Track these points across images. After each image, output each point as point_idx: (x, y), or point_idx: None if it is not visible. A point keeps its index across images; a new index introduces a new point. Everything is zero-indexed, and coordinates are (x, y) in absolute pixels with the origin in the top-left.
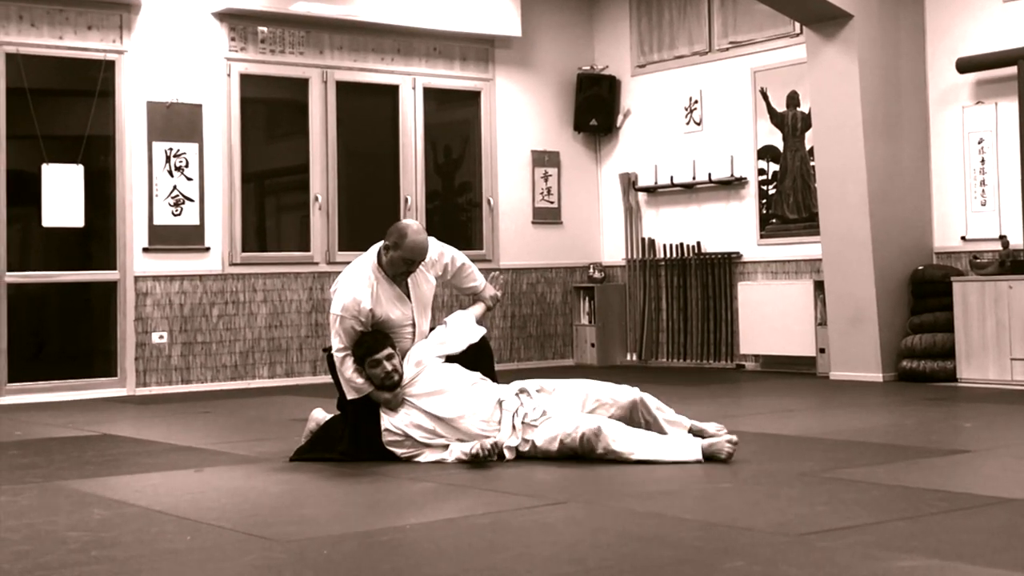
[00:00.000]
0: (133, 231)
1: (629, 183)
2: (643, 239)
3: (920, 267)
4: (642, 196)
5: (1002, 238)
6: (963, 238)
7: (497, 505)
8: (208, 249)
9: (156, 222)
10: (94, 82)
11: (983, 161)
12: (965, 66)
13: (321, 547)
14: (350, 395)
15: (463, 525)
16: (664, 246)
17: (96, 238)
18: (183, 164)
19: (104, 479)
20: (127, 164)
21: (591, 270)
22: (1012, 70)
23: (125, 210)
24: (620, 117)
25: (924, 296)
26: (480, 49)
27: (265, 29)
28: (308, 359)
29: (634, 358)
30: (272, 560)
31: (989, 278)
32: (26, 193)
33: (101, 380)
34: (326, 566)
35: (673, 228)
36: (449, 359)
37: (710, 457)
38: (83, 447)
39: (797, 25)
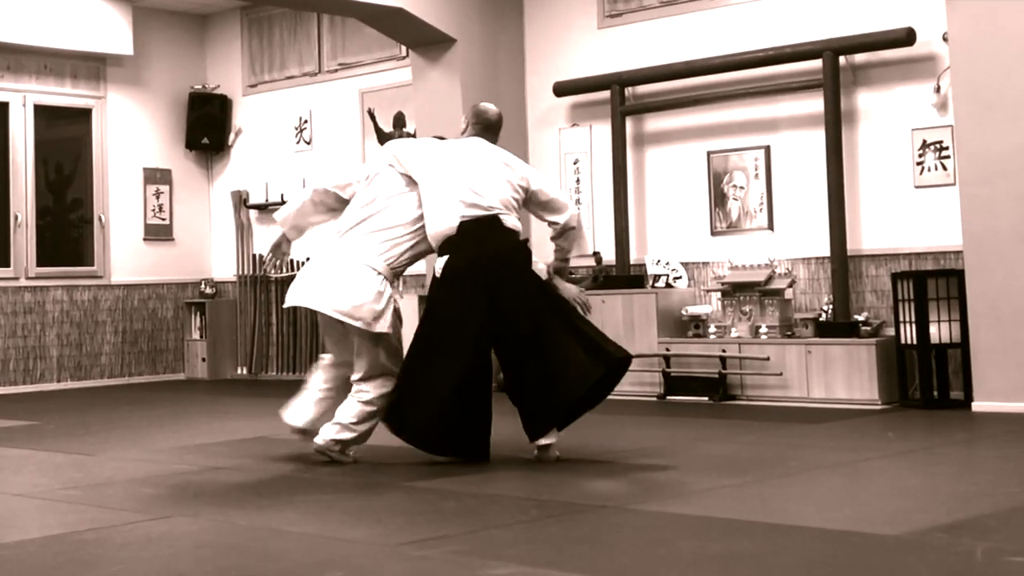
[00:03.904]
0: None
1: (240, 200)
2: (254, 255)
3: None
4: (253, 213)
5: (596, 254)
6: None
7: (102, 521)
8: None
9: None
10: None
11: (578, 181)
12: (561, 90)
13: None
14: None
15: (67, 541)
16: (275, 262)
17: None
18: None
19: None
20: None
21: (202, 286)
22: (606, 94)
23: None
24: (232, 136)
25: None
26: (92, 67)
27: None
28: None
29: (245, 372)
30: None
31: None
32: None
33: None
34: None
35: None
36: None
37: None
38: None
39: (404, 48)
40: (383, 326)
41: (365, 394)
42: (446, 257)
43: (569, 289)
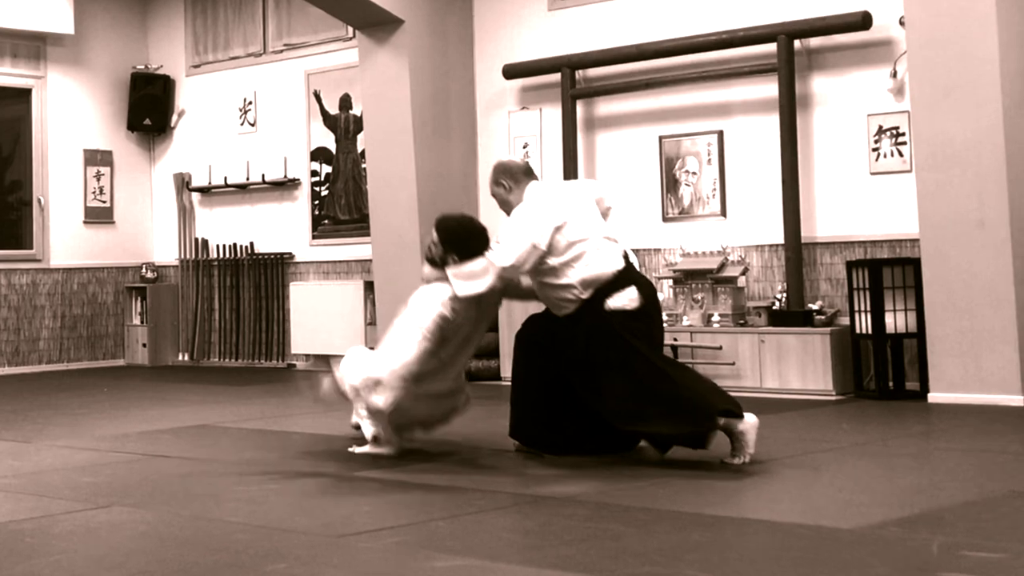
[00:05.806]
0: None
1: (183, 183)
2: (196, 239)
3: None
4: (196, 196)
5: None
6: None
7: (41, 510)
8: None
9: None
10: None
11: None
12: (511, 72)
13: None
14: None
15: (5, 531)
16: (217, 246)
17: None
18: None
19: None
20: None
21: (144, 270)
22: (556, 77)
23: None
24: (174, 117)
25: None
26: (32, 46)
27: None
28: None
29: (186, 358)
30: None
31: None
32: None
33: None
34: None
35: (227, 228)
36: None
37: None
38: None
39: (350, 29)
40: None
41: None
42: (633, 288)
43: None
